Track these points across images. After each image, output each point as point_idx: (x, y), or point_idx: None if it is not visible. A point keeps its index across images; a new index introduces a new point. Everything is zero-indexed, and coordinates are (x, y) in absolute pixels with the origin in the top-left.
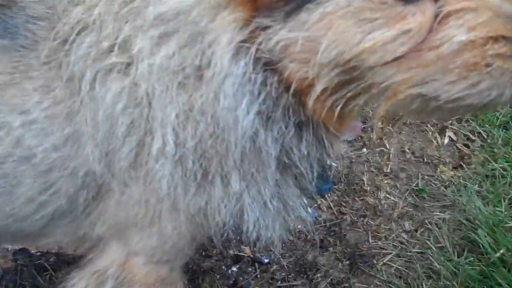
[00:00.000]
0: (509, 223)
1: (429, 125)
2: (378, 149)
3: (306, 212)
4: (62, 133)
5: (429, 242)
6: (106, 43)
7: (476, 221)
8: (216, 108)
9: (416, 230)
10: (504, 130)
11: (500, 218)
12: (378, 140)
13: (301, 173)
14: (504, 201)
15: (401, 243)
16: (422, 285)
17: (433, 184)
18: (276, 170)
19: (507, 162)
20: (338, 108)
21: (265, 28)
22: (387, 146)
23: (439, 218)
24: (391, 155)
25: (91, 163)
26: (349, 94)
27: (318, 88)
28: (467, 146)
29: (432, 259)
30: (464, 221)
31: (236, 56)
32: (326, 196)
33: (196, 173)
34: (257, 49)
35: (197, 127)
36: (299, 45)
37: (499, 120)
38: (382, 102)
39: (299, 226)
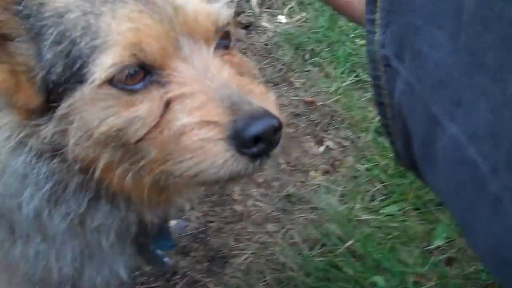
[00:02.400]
0: (361, 217)
1: (307, 136)
2: None
3: (125, 269)
4: None
5: (280, 240)
6: None
7: (330, 218)
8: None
9: (278, 231)
10: (376, 134)
11: (355, 213)
12: None
13: (97, 239)
14: (363, 198)
15: (261, 243)
16: (265, 278)
17: (303, 190)
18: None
19: (371, 163)
20: (128, 179)
21: (40, 125)
22: None
23: (304, 219)
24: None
25: None
26: (132, 168)
27: (101, 163)
28: (341, 152)
29: (280, 254)
30: (320, 219)
31: (16, 151)
32: (195, 207)
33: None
34: (40, 143)
35: None
36: (70, 135)
37: (372, 125)
38: (146, 175)
39: None
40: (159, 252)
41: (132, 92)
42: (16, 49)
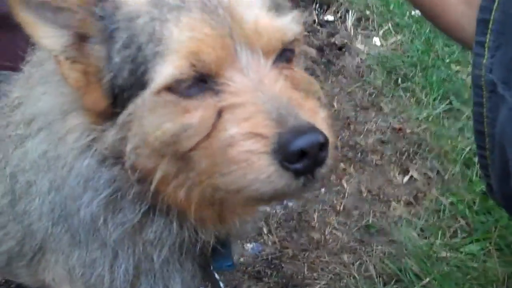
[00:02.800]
0: (441, 254)
1: (392, 165)
2: (335, 189)
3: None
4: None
5: (355, 271)
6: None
7: (409, 253)
8: (62, 194)
9: (353, 263)
10: (464, 166)
11: (434, 249)
12: (338, 181)
13: (150, 253)
14: (444, 234)
15: (335, 274)
16: None
17: (383, 221)
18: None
19: (456, 197)
20: (183, 194)
21: (104, 131)
22: (345, 186)
23: (382, 252)
24: (346, 194)
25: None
26: (186, 182)
27: (158, 175)
28: (425, 183)
29: (354, 287)
30: (398, 253)
31: (82, 154)
32: (273, 231)
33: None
34: (104, 148)
35: (54, 202)
36: (129, 142)
37: (460, 157)
38: (195, 188)
39: (241, 259)
40: (216, 275)
41: (188, 98)
42: (90, 50)
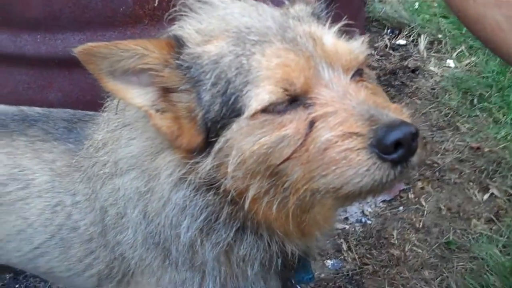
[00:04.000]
0: None
1: (471, 183)
2: (414, 207)
3: None
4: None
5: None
6: (106, 170)
7: (491, 269)
8: (160, 223)
9: (434, 279)
10: None
11: None
12: (416, 199)
13: (243, 269)
14: None
15: None
16: None
17: (463, 237)
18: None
19: None
20: (274, 208)
21: (198, 162)
22: (423, 204)
23: (463, 268)
24: (425, 211)
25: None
26: (277, 196)
27: (251, 194)
28: (506, 201)
29: None
30: (480, 269)
31: (177, 187)
32: (353, 248)
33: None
34: (198, 178)
35: (147, 231)
36: (224, 167)
37: None
38: (289, 198)
39: (322, 275)
40: (298, 286)
41: (282, 113)
42: (178, 98)
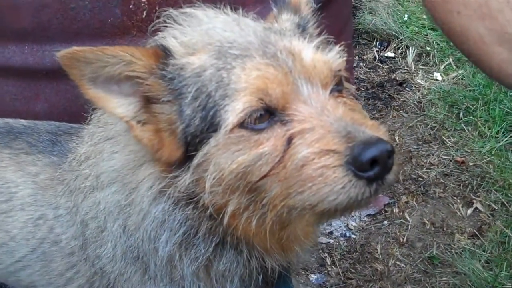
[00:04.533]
0: (506, 285)
1: (455, 198)
2: (398, 221)
3: None
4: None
5: None
6: (88, 183)
7: (473, 284)
8: (139, 237)
9: None
10: None
11: (500, 281)
12: (400, 213)
13: (223, 284)
14: (510, 265)
15: None
16: None
17: (447, 252)
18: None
19: None
20: (254, 224)
21: (177, 176)
22: (408, 218)
23: (446, 283)
24: (409, 226)
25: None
26: (256, 212)
27: (230, 209)
28: (490, 216)
29: None
30: (462, 284)
31: (156, 200)
32: (337, 263)
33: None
34: (177, 192)
35: (127, 245)
36: (202, 181)
37: None
38: (268, 214)
39: None
40: None
41: (259, 131)
42: (160, 109)
